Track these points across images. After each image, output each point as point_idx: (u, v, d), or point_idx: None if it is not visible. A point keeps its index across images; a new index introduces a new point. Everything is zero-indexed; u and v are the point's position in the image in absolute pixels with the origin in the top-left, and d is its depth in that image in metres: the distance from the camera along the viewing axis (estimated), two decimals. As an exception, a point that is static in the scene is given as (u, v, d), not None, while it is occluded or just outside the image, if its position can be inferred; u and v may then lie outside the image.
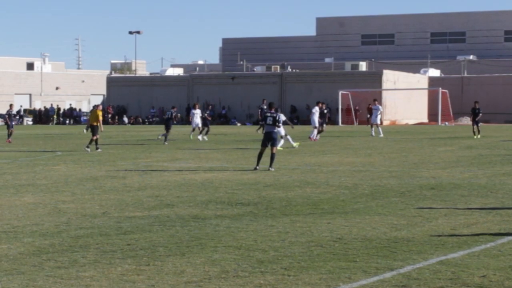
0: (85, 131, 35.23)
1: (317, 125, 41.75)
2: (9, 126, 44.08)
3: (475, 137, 43.42)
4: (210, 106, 62.28)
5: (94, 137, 34.49)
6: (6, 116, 45.75)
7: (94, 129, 34.79)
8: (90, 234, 12.85)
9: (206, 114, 46.68)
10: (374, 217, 14.52)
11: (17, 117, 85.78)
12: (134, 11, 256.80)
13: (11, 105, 47.04)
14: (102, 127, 35.32)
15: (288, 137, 35.05)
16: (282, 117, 28.34)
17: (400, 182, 20.45)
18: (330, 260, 10.67)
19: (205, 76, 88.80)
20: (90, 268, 10.31)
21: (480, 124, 45.52)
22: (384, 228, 13.25)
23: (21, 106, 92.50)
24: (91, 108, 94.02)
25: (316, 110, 41.77)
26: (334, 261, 10.64)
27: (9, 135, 43.79)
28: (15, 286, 9.40)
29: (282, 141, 33.31)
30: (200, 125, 44.96)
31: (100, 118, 35.06)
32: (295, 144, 35.10)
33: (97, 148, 34.27)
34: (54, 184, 20.59)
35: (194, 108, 46.45)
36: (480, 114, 45.24)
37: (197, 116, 45.33)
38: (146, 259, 10.85)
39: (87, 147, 34.50)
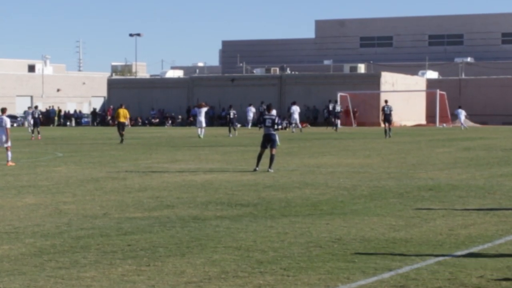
0: (121, 131, 42.34)
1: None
2: (36, 125, 50.63)
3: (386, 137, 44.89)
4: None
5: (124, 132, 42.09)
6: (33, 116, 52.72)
7: (124, 126, 42.29)
8: (91, 235, 12.92)
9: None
10: (372, 218, 14.59)
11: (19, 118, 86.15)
12: (135, 14, 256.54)
13: (36, 107, 56.32)
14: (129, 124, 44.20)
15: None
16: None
17: (399, 183, 20.52)
18: (329, 261, 10.74)
19: (205, 78, 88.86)
20: (91, 268, 10.37)
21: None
22: (383, 229, 13.32)
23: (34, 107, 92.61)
24: (91, 109, 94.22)
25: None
26: (333, 261, 10.71)
27: (38, 132, 49.84)
28: (16, 286, 9.46)
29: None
30: (203, 124, 48.17)
31: (128, 115, 43.25)
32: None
33: (122, 141, 41.06)
34: (55, 185, 20.65)
35: (200, 107, 49.11)
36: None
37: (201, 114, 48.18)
38: (147, 259, 10.91)
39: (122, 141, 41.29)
